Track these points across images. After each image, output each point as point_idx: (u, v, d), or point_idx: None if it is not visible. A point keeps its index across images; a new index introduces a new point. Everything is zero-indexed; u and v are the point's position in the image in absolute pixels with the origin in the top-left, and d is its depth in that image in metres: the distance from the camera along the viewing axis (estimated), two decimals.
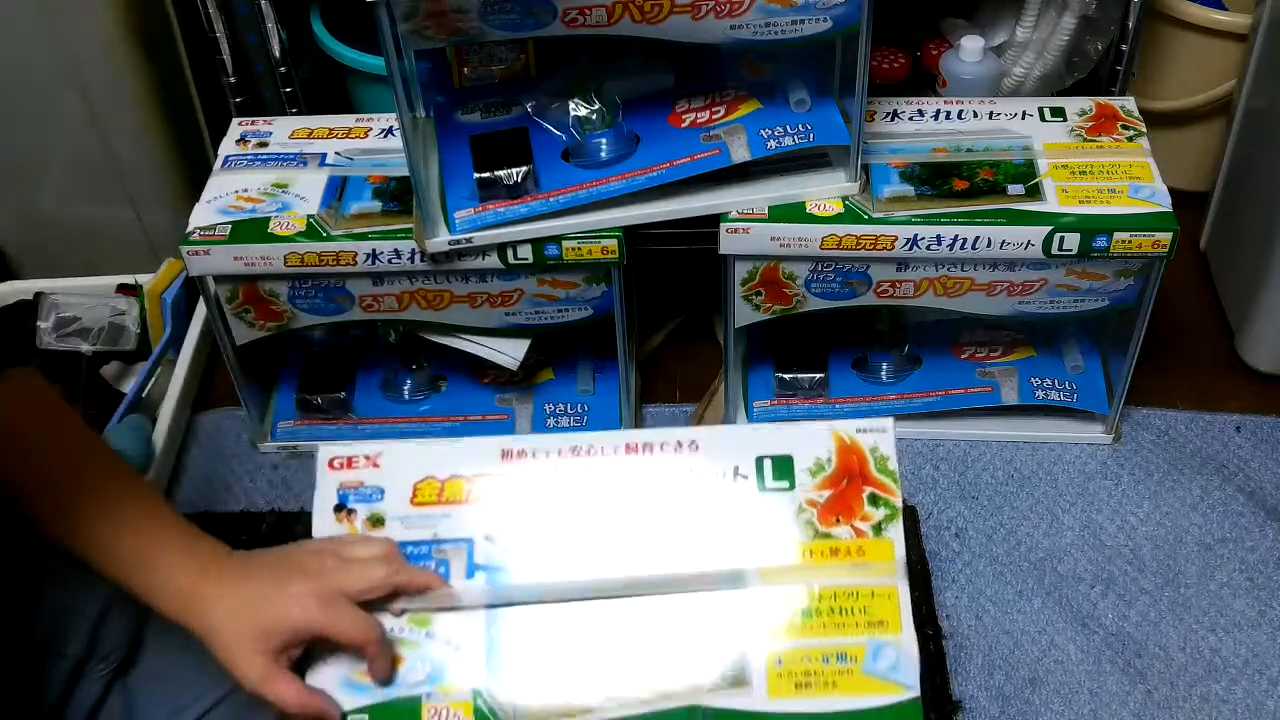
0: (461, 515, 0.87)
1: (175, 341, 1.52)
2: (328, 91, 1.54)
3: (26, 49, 1.40)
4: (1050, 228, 1.21)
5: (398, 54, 1.12)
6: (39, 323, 1.48)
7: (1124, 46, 1.40)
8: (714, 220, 1.25)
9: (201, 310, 1.53)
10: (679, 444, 0.88)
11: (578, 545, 0.86)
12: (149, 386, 1.48)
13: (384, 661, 0.84)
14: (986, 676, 1.23)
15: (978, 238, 1.22)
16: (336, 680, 0.83)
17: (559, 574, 0.85)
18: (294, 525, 1.38)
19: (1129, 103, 1.35)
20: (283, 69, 1.43)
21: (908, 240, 1.23)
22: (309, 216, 1.26)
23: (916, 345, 1.48)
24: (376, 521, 0.87)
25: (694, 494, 0.86)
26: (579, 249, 1.24)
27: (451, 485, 0.87)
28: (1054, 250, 1.22)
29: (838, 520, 0.86)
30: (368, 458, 0.88)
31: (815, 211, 1.25)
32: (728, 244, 1.26)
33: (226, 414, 1.51)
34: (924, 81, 1.51)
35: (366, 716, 0.82)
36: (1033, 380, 1.43)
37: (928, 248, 1.23)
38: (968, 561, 1.33)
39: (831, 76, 1.26)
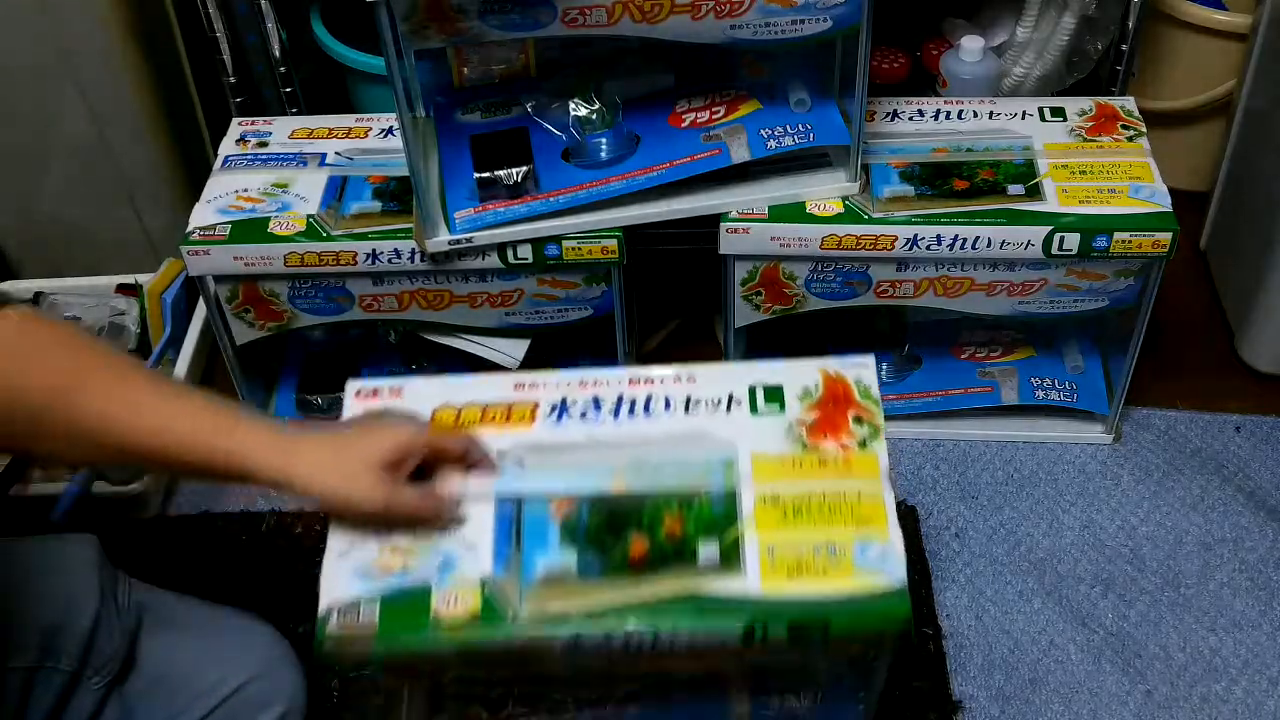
0: (476, 435, 0.91)
1: (175, 341, 1.52)
2: (328, 91, 1.54)
3: (27, 49, 1.40)
4: (1050, 228, 1.21)
5: (398, 54, 1.12)
6: None
7: (1124, 46, 1.40)
8: (714, 220, 1.25)
9: (201, 310, 1.53)
10: (677, 377, 0.95)
11: (586, 451, 0.91)
12: None
13: (488, 461, 0.88)
14: (986, 676, 1.23)
15: (978, 238, 1.22)
16: (352, 571, 0.84)
17: (568, 476, 0.90)
18: (294, 525, 1.38)
19: (1129, 103, 1.35)
20: (283, 69, 1.43)
21: (908, 240, 1.23)
22: (309, 216, 1.26)
23: (916, 345, 1.48)
24: None
25: (692, 415, 0.94)
26: (579, 249, 1.24)
27: (468, 411, 0.92)
28: (1054, 250, 1.22)
29: (825, 437, 0.91)
30: (391, 389, 0.93)
31: (815, 211, 1.25)
32: (728, 244, 1.26)
33: None
34: (924, 81, 1.51)
35: (378, 605, 0.83)
36: (1033, 380, 1.43)
37: (928, 248, 1.23)
38: (968, 561, 1.33)
39: (831, 76, 1.26)
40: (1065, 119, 1.33)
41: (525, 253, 1.24)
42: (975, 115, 1.34)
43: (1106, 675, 1.23)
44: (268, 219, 1.26)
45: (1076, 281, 1.27)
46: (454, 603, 0.84)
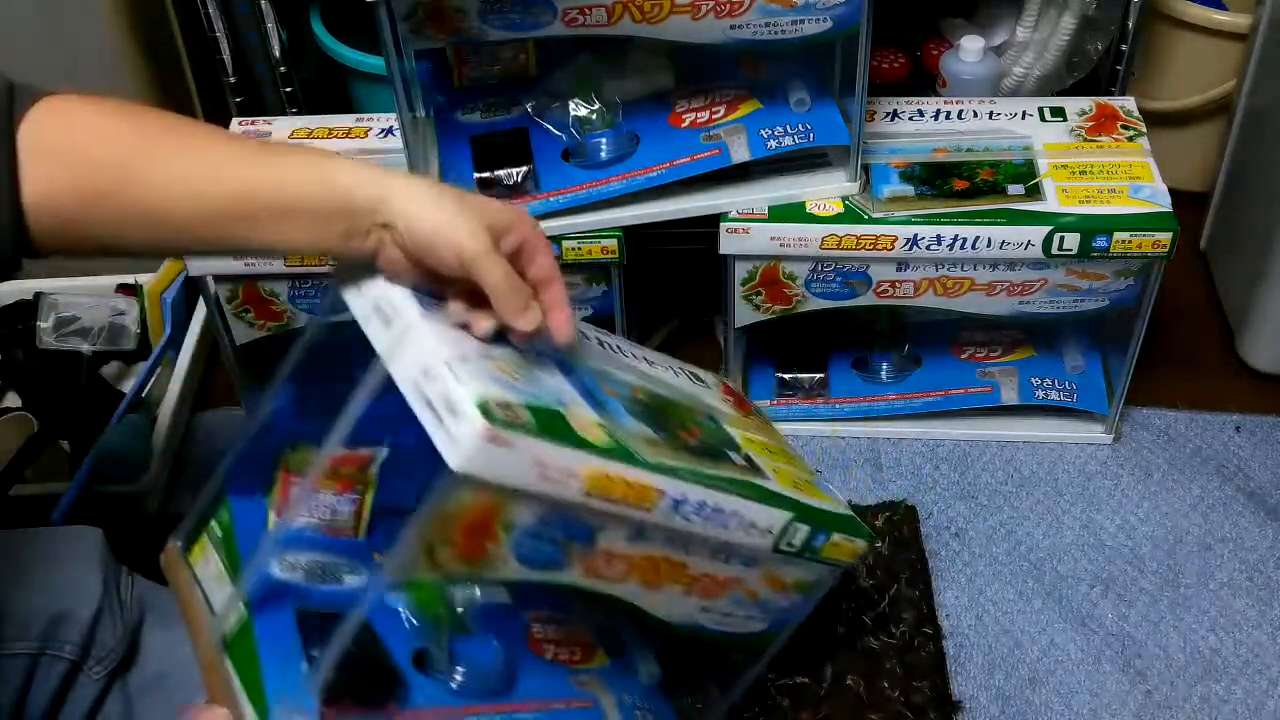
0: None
1: (175, 341, 1.52)
2: (328, 91, 1.54)
3: (26, 49, 1.40)
4: (1050, 228, 1.21)
5: (398, 54, 1.12)
6: (39, 323, 1.48)
7: (1124, 46, 1.40)
8: (714, 220, 1.25)
9: (201, 310, 1.53)
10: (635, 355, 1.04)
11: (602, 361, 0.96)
12: (149, 386, 1.48)
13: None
14: (986, 676, 1.23)
15: (978, 238, 1.22)
16: (487, 375, 0.77)
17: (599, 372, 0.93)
18: None
19: (1129, 103, 1.35)
20: (283, 69, 1.43)
21: (908, 240, 1.23)
22: None
23: (916, 345, 1.48)
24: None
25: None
26: (579, 249, 1.24)
27: None
28: (1054, 250, 1.22)
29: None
30: None
31: (815, 211, 1.25)
32: (728, 244, 1.26)
33: (226, 414, 1.51)
34: (924, 81, 1.51)
35: (529, 410, 0.76)
36: (1033, 380, 1.43)
37: (928, 248, 1.23)
38: (968, 561, 1.33)
39: (831, 76, 1.26)
40: (1065, 119, 1.33)
41: None
42: (975, 115, 1.34)
43: (1106, 675, 1.23)
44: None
45: (1076, 281, 1.27)
46: (589, 432, 0.80)
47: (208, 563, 0.93)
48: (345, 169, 0.77)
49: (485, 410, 0.72)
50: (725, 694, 1.14)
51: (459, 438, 0.72)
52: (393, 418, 0.78)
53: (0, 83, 0.74)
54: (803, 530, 0.95)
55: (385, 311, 0.80)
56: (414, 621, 1.00)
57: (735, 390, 1.16)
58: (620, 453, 0.81)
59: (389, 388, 0.78)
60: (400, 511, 0.83)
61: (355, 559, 0.97)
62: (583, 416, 0.82)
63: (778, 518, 0.93)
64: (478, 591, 1.03)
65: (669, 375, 1.06)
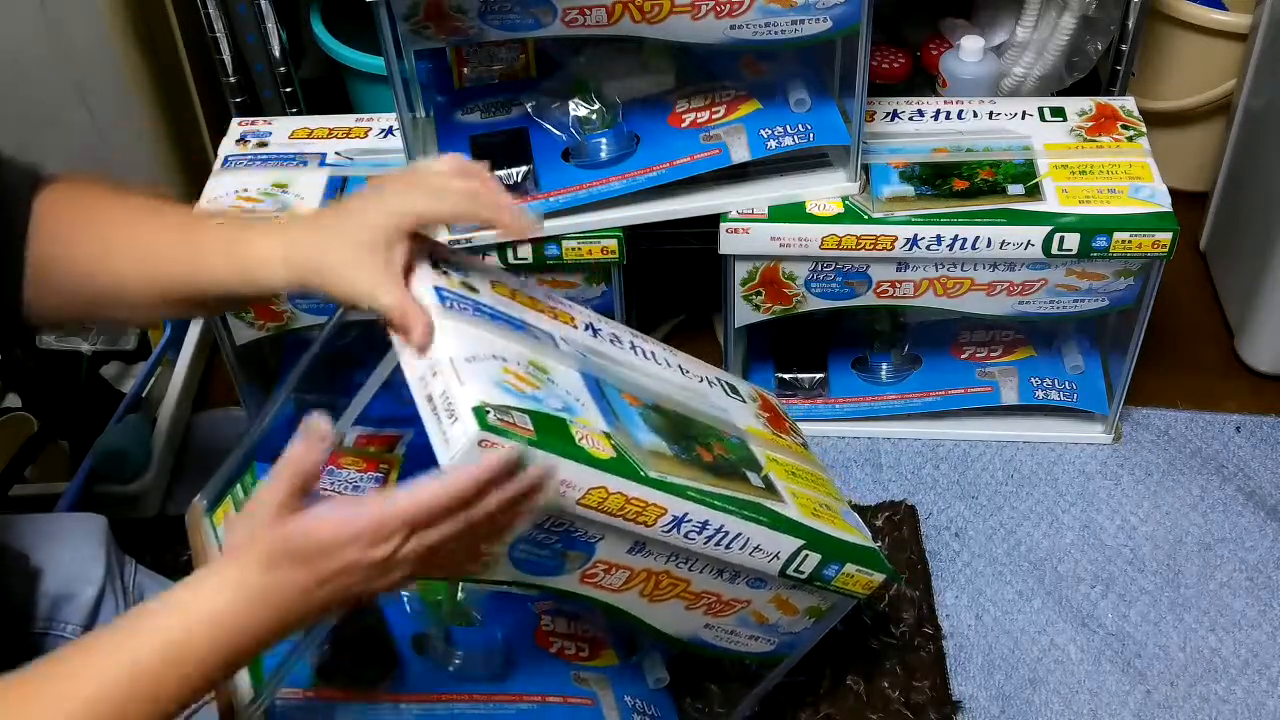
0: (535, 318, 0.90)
1: (175, 341, 1.52)
2: (328, 91, 1.54)
3: (26, 49, 1.40)
4: (1050, 228, 1.21)
5: (398, 54, 1.12)
6: None
7: (1124, 46, 1.40)
8: (714, 220, 1.25)
9: None
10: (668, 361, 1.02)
11: (629, 370, 0.95)
12: (149, 386, 1.48)
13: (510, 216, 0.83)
14: (986, 676, 1.23)
15: (978, 238, 1.22)
16: (490, 379, 0.77)
17: (624, 380, 0.93)
18: None
19: (1129, 103, 1.35)
20: (283, 69, 1.43)
21: (908, 240, 1.23)
22: None
23: (916, 345, 1.48)
24: (469, 287, 0.87)
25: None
26: (579, 249, 1.24)
27: (519, 295, 0.91)
28: (1054, 250, 1.22)
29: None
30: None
31: (815, 211, 1.25)
32: (728, 244, 1.26)
33: (226, 414, 1.51)
34: (924, 81, 1.51)
35: (529, 417, 0.77)
36: (1033, 380, 1.43)
37: (928, 248, 1.23)
38: (968, 561, 1.33)
39: (831, 76, 1.26)
40: (1065, 119, 1.33)
41: (525, 252, 1.24)
42: (975, 115, 1.34)
43: (1106, 675, 1.23)
44: (268, 219, 1.26)
45: (1076, 281, 1.27)
46: (592, 443, 0.80)
47: None
48: (253, 242, 0.81)
49: (481, 415, 0.73)
50: (732, 709, 1.14)
51: (452, 439, 0.73)
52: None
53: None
54: (813, 558, 0.94)
55: None
56: (415, 606, 1.01)
57: (775, 404, 1.14)
58: (622, 466, 0.81)
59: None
60: None
61: None
62: (590, 426, 0.82)
63: (786, 544, 0.92)
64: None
65: (703, 386, 1.04)
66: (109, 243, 0.83)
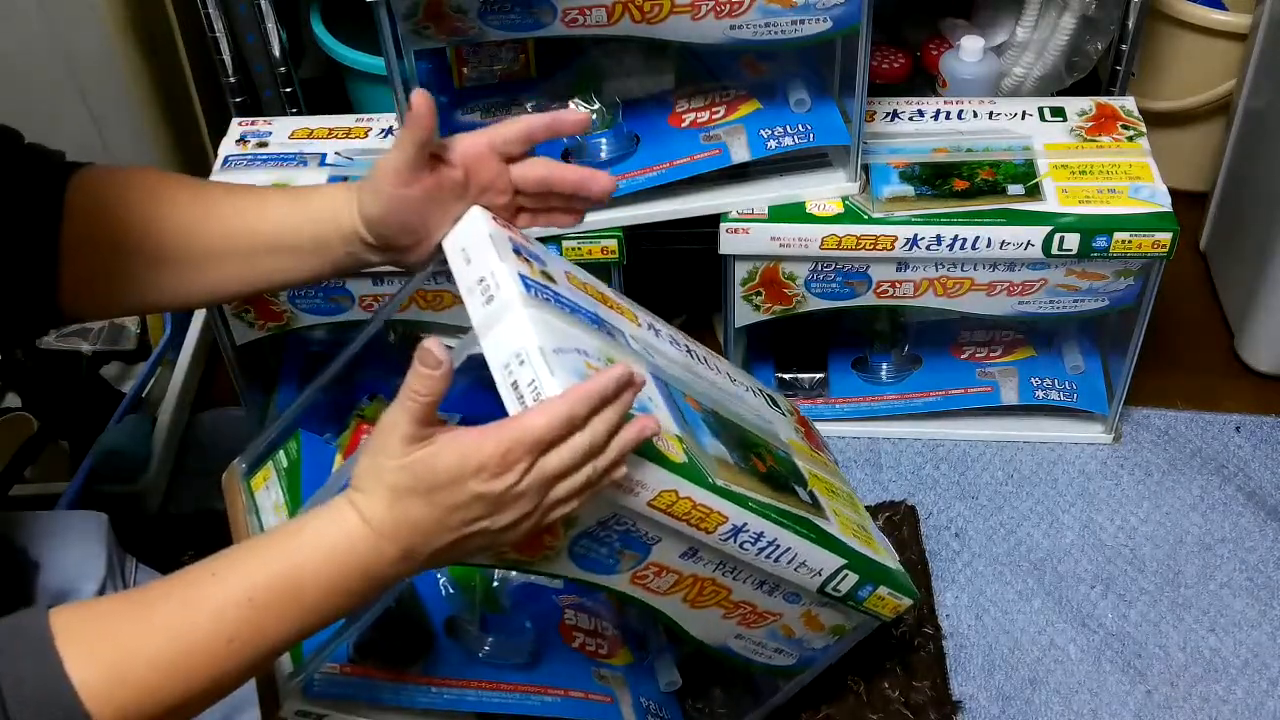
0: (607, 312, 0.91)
1: (175, 341, 1.52)
2: (328, 91, 1.54)
3: (26, 49, 1.40)
4: (1050, 228, 1.21)
5: (398, 54, 1.12)
6: None
7: (1124, 46, 1.40)
8: (714, 220, 1.25)
9: (202, 310, 1.53)
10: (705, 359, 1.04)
11: (684, 370, 0.96)
12: (149, 386, 1.48)
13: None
14: (986, 676, 1.23)
15: (978, 238, 1.22)
16: (575, 372, 0.77)
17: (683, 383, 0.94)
18: None
19: (1129, 103, 1.35)
20: (283, 69, 1.43)
21: (908, 240, 1.23)
22: None
23: (916, 345, 1.48)
24: (548, 277, 0.87)
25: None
26: (579, 249, 1.24)
27: (590, 288, 0.91)
28: (1054, 250, 1.22)
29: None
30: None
31: (815, 211, 1.25)
32: (728, 244, 1.26)
33: (226, 414, 1.51)
34: (924, 81, 1.51)
35: None
36: (1033, 380, 1.43)
37: (928, 248, 1.23)
38: (968, 561, 1.33)
39: (831, 76, 1.26)
40: (1065, 119, 1.33)
41: None
42: (975, 115, 1.34)
43: (1106, 675, 1.23)
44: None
45: (1076, 281, 1.27)
46: (666, 445, 0.81)
47: (269, 491, 0.96)
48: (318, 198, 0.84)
49: None
50: (733, 709, 1.14)
51: None
52: (466, 389, 0.79)
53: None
54: (851, 578, 0.96)
55: (489, 286, 0.80)
56: (450, 589, 1.01)
57: (807, 421, 1.16)
58: (692, 472, 0.82)
59: (466, 360, 0.79)
60: None
61: None
62: (663, 427, 0.82)
63: (830, 562, 0.93)
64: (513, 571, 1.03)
65: (749, 395, 1.05)
66: (184, 211, 0.85)
